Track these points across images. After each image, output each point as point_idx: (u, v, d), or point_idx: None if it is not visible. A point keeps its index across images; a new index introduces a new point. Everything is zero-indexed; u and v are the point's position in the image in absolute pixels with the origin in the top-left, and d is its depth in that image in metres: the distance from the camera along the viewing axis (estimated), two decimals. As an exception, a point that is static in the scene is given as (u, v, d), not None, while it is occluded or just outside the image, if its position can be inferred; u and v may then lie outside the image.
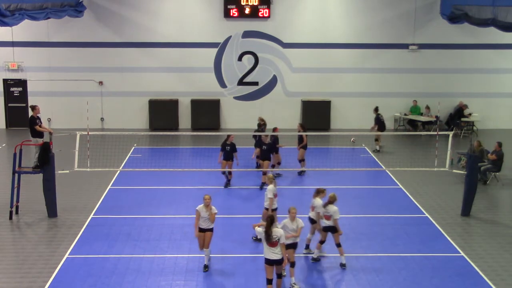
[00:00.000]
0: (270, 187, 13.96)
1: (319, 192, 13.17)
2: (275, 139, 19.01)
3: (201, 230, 12.57)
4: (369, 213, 16.20)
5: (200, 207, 12.48)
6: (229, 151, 18.02)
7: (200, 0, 26.55)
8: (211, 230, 12.62)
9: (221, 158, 17.99)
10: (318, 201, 13.01)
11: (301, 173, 19.50)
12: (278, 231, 11.03)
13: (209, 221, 12.52)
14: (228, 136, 18.20)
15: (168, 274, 12.42)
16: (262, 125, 20.54)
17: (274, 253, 10.98)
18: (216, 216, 12.54)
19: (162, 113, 26.78)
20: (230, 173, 18.38)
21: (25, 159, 16.42)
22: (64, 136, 17.49)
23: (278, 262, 11.06)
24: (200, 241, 12.61)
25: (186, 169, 18.29)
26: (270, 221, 10.98)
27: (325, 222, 12.87)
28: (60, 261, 12.94)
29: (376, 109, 23.64)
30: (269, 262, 11.07)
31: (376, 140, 23.11)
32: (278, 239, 10.93)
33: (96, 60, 26.65)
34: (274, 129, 19.44)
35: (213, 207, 12.47)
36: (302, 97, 27.30)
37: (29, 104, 24.85)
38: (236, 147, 18.18)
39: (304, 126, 19.86)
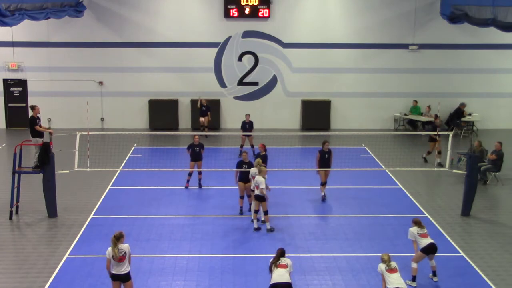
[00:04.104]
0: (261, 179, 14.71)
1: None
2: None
3: None
4: (369, 213, 16.19)
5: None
6: (198, 152, 17.88)
7: (200, 0, 26.54)
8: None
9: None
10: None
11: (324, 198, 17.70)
12: None
13: None
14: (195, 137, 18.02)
15: (168, 274, 12.42)
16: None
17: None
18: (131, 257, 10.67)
19: (162, 113, 26.76)
20: (199, 173, 18.29)
21: (25, 159, 16.41)
22: (64, 136, 17.47)
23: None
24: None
25: (186, 169, 18.27)
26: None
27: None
28: (60, 261, 12.94)
29: (436, 116, 22.44)
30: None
31: (439, 153, 20.87)
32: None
33: (96, 60, 26.63)
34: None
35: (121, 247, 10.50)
36: (302, 97, 27.29)
37: (29, 104, 24.82)
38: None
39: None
